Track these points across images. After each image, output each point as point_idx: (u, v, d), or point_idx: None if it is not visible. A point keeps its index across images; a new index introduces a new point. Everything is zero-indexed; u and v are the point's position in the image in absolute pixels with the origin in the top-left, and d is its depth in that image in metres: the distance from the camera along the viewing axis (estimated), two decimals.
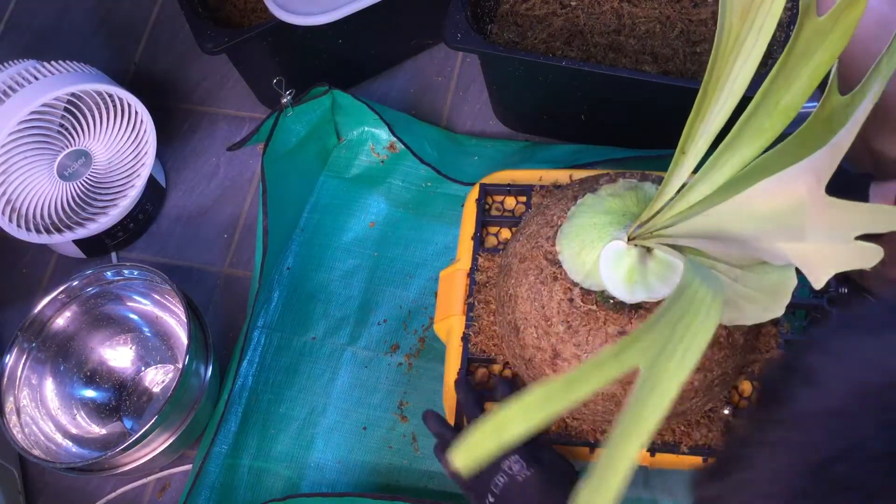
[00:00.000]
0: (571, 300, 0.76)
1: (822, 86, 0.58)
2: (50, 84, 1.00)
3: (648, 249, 0.71)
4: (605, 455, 0.44)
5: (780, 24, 0.95)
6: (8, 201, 1.03)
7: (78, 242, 1.15)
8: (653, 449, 0.83)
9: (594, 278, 0.74)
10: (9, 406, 0.99)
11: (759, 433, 0.38)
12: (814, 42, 0.57)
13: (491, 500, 0.77)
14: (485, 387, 0.88)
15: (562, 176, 0.95)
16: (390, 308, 1.09)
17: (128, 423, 1.08)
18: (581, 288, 0.76)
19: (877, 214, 0.55)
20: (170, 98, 1.30)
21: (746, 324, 0.71)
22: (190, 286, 1.11)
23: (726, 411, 0.81)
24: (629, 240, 0.72)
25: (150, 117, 1.09)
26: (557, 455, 0.81)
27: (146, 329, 1.10)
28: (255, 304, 1.07)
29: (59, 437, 1.02)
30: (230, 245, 1.19)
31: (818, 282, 0.60)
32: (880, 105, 0.56)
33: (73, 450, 1.02)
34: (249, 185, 1.22)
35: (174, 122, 1.28)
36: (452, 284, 0.93)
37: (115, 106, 1.07)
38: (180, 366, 0.96)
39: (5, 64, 1.04)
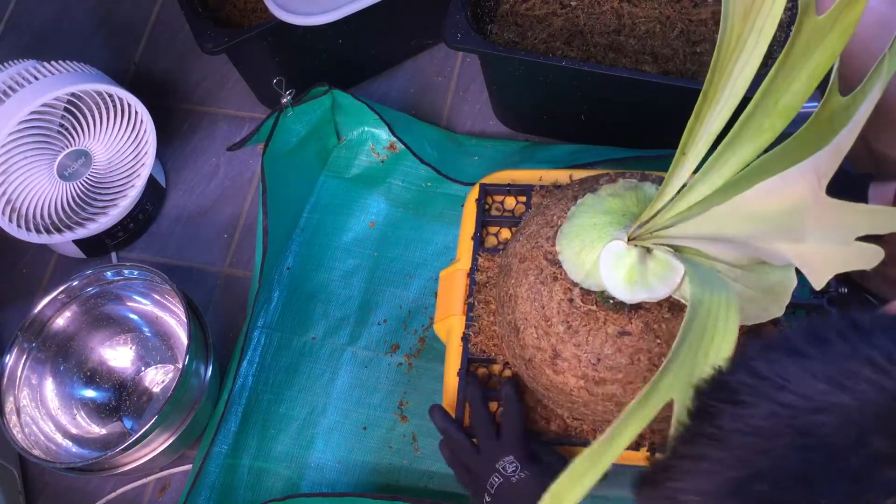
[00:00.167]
0: (571, 300, 0.76)
1: (823, 86, 0.58)
2: (50, 84, 1.00)
3: (648, 249, 0.71)
4: (585, 455, 0.45)
5: (780, 25, 0.95)
6: (8, 201, 1.03)
7: (78, 242, 1.15)
8: (653, 449, 0.83)
9: (594, 278, 0.74)
10: (9, 406, 0.99)
11: (688, 446, 0.39)
12: (813, 42, 0.57)
13: (487, 499, 0.78)
14: (485, 386, 0.88)
15: (562, 176, 0.95)
16: (390, 308, 1.09)
17: (128, 423, 1.08)
18: (581, 288, 0.76)
19: (877, 215, 0.55)
20: (170, 98, 1.30)
21: (746, 324, 0.71)
22: (190, 286, 1.11)
23: None
24: (629, 240, 0.72)
25: (150, 117, 1.09)
26: (555, 456, 0.81)
27: (146, 329, 1.10)
28: (255, 304, 1.07)
29: (59, 437, 1.02)
30: (230, 245, 1.19)
31: (818, 282, 0.60)
32: (881, 105, 0.56)
33: (73, 450, 1.02)
34: (249, 185, 1.22)
35: (174, 122, 1.28)
36: (452, 284, 0.93)
37: (115, 106, 1.06)
38: (180, 366, 0.96)
39: (5, 64, 1.04)
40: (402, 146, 1.15)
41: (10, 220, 1.04)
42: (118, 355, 1.10)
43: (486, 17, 1.12)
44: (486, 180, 0.97)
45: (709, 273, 0.63)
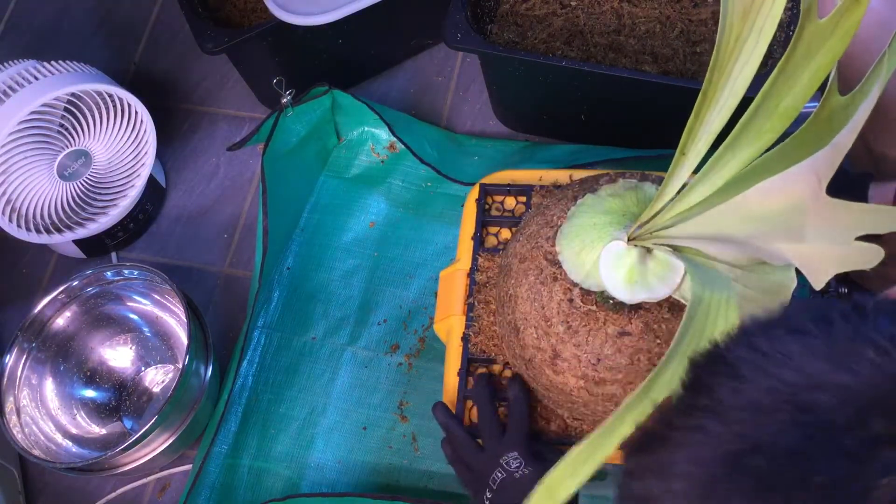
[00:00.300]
0: (571, 300, 0.76)
1: (823, 86, 0.58)
2: (50, 84, 1.00)
3: (648, 250, 0.71)
4: (576, 451, 0.46)
5: (780, 25, 0.95)
6: (8, 201, 1.03)
7: (78, 242, 1.15)
8: None
9: (594, 278, 0.74)
10: (9, 406, 0.99)
11: (683, 418, 0.39)
12: (815, 45, 0.57)
13: (489, 495, 0.78)
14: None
15: (562, 176, 0.95)
16: (390, 308, 1.09)
17: (128, 423, 1.08)
18: (581, 288, 0.76)
19: (877, 215, 0.55)
20: (170, 98, 1.30)
21: None
22: (190, 286, 1.11)
23: None
24: (629, 240, 0.72)
25: (150, 117, 1.09)
26: (559, 455, 0.81)
27: (146, 329, 1.10)
28: (255, 304, 1.07)
29: (59, 437, 1.02)
30: (230, 245, 1.19)
31: (818, 282, 0.60)
32: (880, 105, 0.56)
33: (73, 450, 1.02)
34: (249, 185, 1.22)
35: (174, 122, 1.28)
36: (452, 284, 0.93)
37: (115, 106, 1.06)
38: (180, 366, 0.97)
39: (5, 64, 1.04)
40: (402, 146, 1.15)
41: (10, 220, 1.04)
42: (118, 355, 1.10)
43: (486, 17, 1.12)
44: (486, 180, 0.97)
45: (709, 272, 0.64)
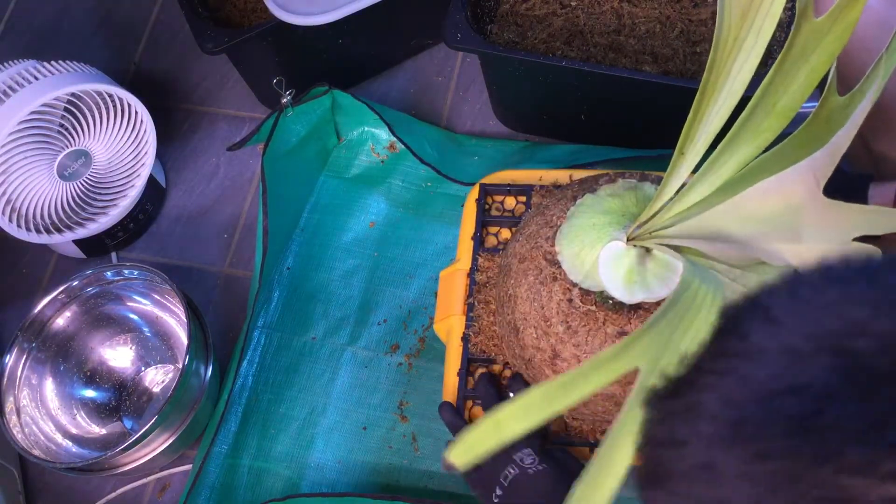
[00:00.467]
0: (571, 300, 0.76)
1: (822, 86, 0.58)
2: (50, 84, 1.00)
3: (647, 250, 0.71)
4: (601, 455, 0.45)
5: (779, 25, 0.95)
6: (8, 201, 1.03)
7: (78, 242, 1.15)
8: None
9: (593, 279, 0.74)
10: (9, 406, 0.99)
11: (715, 361, 0.39)
12: (811, 43, 0.57)
13: (499, 492, 0.77)
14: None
15: (562, 176, 0.95)
16: (390, 308, 1.09)
17: (128, 423, 1.08)
18: (580, 288, 0.76)
19: (875, 215, 0.55)
20: (170, 98, 1.30)
21: None
22: (190, 286, 1.11)
23: None
24: (628, 240, 0.72)
25: (150, 117, 1.09)
26: (569, 454, 0.81)
27: (146, 329, 1.10)
28: (255, 304, 1.07)
29: (59, 437, 1.02)
30: (230, 245, 1.19)
31: None
32: (880, 105, 0.56)
33: (73, 450, 1.02)
34: (249, 185, 1.22)
35: (174, 122, 1.28)
36: (452, 284, 0.93)
37: (115, 106, 1.07)
38: (180, 366, 0.97)
39: (5, 64, 1.04)
40: (402, 146, 1.15)
41: (10, 220, 1.04)
42: (118, 355, 1.10)
43: (486, 17, 1.12)
44: (486, 180, 0.97)
45: (705, 270, 0.63)
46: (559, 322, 0.77)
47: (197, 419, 1.01)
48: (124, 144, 1.09)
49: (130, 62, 1.34)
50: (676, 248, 0.68)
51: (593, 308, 0.76)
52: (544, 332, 0.78)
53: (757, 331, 0.38)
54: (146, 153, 1.11)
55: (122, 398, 1.09)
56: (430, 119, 1.23)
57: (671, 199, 0.68)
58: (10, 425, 0.98)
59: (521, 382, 0.84)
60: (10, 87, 1.00)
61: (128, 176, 1.12)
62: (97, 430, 1.06)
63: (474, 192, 0.96)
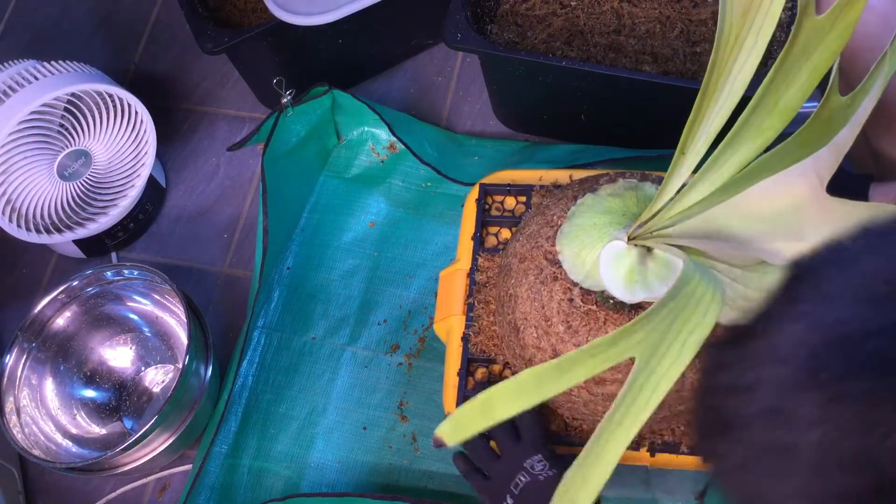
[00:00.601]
0: (571, 300, 0.76)
1: (823, 85, 0.58)
2: (50, 84, 1.00)
3: (648, 249, 0.71)
4: (593, 446, 0.45)
5: (780, 24, 0.95)
6: (8, 201, 1.03)
7: (78, 242, 1.15)
8: (653, 449, 0.83)
9: (594, 278, 0.74)
10: (9, 406, 0.99)
11: (783, 309, 0.38)
12: (812, 41, 0.57)
13: (510, 501, 0.77)
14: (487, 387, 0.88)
15: (562, 176, 0.95)
16: (390, 308, 1.09)
17: (128, 423, 1.08)
18: (581, 288, 0.76)
19: (879, 212, 0.55)
20: (170, 98, 1.30)
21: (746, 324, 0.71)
22: (190, 286, 1.11)
23: None
24: (629, 240, 0.72)
25: (150, 117, 1.09)
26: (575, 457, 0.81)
27: (146, 329, 1.10)
28: (255, 304, 1.07)
29: (59, 437, 1.02)
30: (230, 245, 1.19)
31: None
32: (882, 105, 0.56)
33: (73, 450, 1.02)
34: (249, 185, 1.22)
35: (174, 122, 1.28)
36: (452, 284, 0.93)
37: (115, 106, 1.07)
38: (180, 366, 0.96)
39: (5, 64, 1.04)
40: (402, 146, 1.15)
41: (10, 220, 1.04)
42: (118, 355, 1.10)
43: (486, 17, 1.12)
44: (486, 180, 0.97)
45: (706, 269, 0.63)
46: (560, 322, 0.77)
47: (197, 419, 1.01)
48: (124, 144, 1.09)
49: (130, 62, 1.34)
50: (677, 248, 0.68)
51: (594, 308, 0.76)
52: (545, 331, 0.78)
53: (831, 278, 0.37)
54: (146, 153, 1.11)
55: (122, 398, 1.09)
56: (430, 119, 1.23)
57: (672, 198, 0.68)
58: (10, 425, 0.98)
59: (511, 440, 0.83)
60: (10, 87, 1.00)
61: (128, 176, 1.12)
62: (97, 430, 1.06)
63: (474, 192, 0.96)
